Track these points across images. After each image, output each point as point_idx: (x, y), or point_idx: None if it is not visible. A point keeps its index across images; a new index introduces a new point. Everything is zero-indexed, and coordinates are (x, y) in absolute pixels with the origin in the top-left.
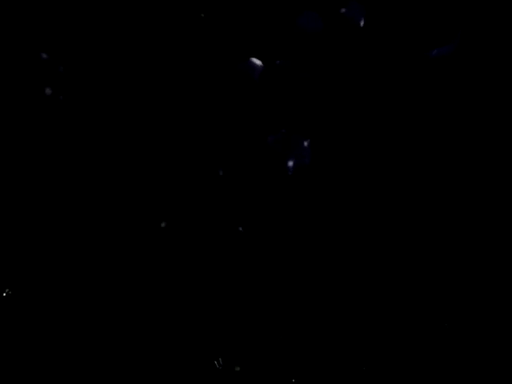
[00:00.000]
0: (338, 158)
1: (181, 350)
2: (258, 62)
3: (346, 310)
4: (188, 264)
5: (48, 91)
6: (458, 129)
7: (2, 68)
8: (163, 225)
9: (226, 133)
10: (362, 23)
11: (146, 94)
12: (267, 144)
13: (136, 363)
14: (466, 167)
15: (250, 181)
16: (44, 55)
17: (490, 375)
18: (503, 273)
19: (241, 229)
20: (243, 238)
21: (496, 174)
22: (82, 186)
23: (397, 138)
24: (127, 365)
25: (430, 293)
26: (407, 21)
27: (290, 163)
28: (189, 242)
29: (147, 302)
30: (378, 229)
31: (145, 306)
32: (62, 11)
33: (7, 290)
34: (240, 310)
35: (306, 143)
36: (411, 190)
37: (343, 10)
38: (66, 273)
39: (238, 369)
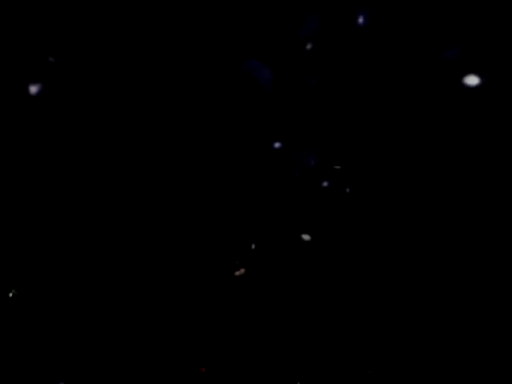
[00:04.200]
0: (344, 160)
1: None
2: (263, 66)
3: (349, 313)
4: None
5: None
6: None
7: None
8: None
9: (230, 135)
10: (365, 22)
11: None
12: (272, 146)
13: (134, 363)
14: (468, 168)
15: (256, 185)
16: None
17: (490, 375)
18: (503, 273)
19: (253, 246)
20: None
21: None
22: (80, 191)
23: (403, 142)
24: (126, 364)
25: (430, 294)
26: (413, 23)
27: (296, 165)
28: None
29: (146, 305)
30: (381, 229)
31: (144, 309)
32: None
33: (13, 291)
34: (244, 312)
35: (312, 145)
36: (415, 192)
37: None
38: (68, 277)
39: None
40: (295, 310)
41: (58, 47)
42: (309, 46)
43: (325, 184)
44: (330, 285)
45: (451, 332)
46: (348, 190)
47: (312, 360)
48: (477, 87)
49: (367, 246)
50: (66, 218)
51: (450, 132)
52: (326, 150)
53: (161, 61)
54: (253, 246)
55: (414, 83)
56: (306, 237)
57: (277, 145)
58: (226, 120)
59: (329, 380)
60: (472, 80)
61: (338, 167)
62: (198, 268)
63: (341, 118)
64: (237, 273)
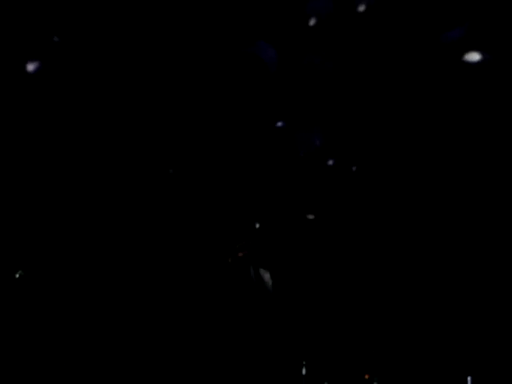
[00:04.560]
0: (349, 140)
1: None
2: (268, 46)
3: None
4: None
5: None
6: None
7: None
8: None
9: (236, 114)
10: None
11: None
12: (278, 126)
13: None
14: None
15: (261, 165)
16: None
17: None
18: (503, 274)
19: (257, 225)
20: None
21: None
22: (84, 188)
23: (407, 121)
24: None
25: (430, 294)
26: (417, 4)
27: (301, 145)
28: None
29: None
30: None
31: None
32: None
33: (20, 272)
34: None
35: (317, 125)
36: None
37: None
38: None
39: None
40: (299, 292)
41: (63, 27)
42: (313, 22)
43: (330, 163)
44: (335, 264)
45: (452, 320)
46: (354, 169)
47: (317, 338)
48: (479, 64)
49: (372, 225)
50: (68, 199)
51: (452, 108)
52: (331, 130)
53: (167, 39)
54: (257, 226)
55: (418, 62)
56: (310, 216)
57: (281, 124)
58: (232, 99)
59: (333, 358)
60: (475, 57)
61: (343, 147)
62: (202, 249)
63: (345, 98)
64: (240, 254)
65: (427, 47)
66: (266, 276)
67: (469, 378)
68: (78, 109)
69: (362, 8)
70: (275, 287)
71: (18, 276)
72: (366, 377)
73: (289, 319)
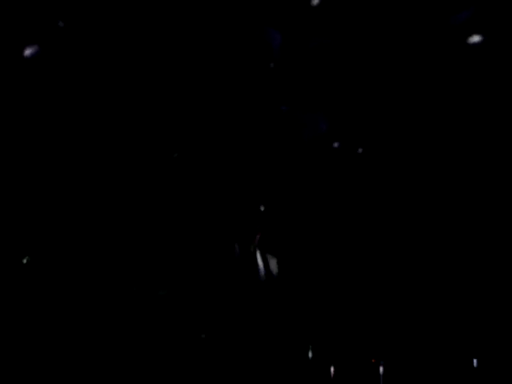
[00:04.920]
0: (355, 127)
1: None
2: (275, 31)
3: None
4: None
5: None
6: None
7: None
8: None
9: (241, 98)
10: None
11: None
12: (283, 112)
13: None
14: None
15: (268, 150)
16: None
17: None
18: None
19: (262, 208)
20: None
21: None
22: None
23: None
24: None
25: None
26: None
27: (306, 130)
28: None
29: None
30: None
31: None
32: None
33: (27, 257)
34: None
35: (321, 112)
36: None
37: None
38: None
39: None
40: (306, 278)
41: (68, 13)
42: (316, 1)
43: (335, 145)
44: (342, 250)
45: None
46: (359, 152)
47: (323, 322)
48: (482, 46)
49: (378, 210)
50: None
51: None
52: (336, 115)
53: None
54: (262, 208)
55: (426, 42)
56: (315, 200)
57: (285, 109)
58: (238, 83)
59: (339, 343)
60: (478, 39)
61: (348, 134)
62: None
63: (350, 82)
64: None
65: (436, 28)
66: (273, 262)
67: (475, 361)
68: (78, 97)
69: None
70: (281, 273)
71: (25, 261)
72: (373, 361)
73: (295, 304)
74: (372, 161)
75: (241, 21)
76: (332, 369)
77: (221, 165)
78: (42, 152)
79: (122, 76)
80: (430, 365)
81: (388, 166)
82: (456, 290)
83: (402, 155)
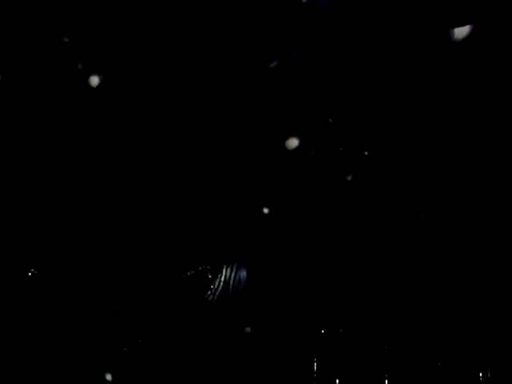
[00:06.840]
0: (358, 137)
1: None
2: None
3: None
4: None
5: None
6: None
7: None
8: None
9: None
10: None
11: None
12: (287, 124)
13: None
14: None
15: (271, 163)
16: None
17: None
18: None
19: (266, 211)
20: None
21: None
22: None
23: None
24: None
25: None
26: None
27: (311, 142)
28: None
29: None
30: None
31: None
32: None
33: (33, 270)
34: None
35: (326, 122)
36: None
37: None
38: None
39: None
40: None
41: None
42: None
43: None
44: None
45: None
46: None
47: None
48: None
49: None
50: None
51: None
52: (340, 128)
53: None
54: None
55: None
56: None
57: (291, 122)
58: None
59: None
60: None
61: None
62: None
63: (353, 95)
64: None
65: (433, 42)
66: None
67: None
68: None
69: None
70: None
71: (30, 274)
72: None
73: (299, 317)
74: (369, 167)
75: (235, 27)
76: (337, 381)
77: (221, 172)
78: (42, 153)
79: (123, 77)
80: (434, 377)
81: (388, 168)
82: (456, 298)
83: (401, 158)
